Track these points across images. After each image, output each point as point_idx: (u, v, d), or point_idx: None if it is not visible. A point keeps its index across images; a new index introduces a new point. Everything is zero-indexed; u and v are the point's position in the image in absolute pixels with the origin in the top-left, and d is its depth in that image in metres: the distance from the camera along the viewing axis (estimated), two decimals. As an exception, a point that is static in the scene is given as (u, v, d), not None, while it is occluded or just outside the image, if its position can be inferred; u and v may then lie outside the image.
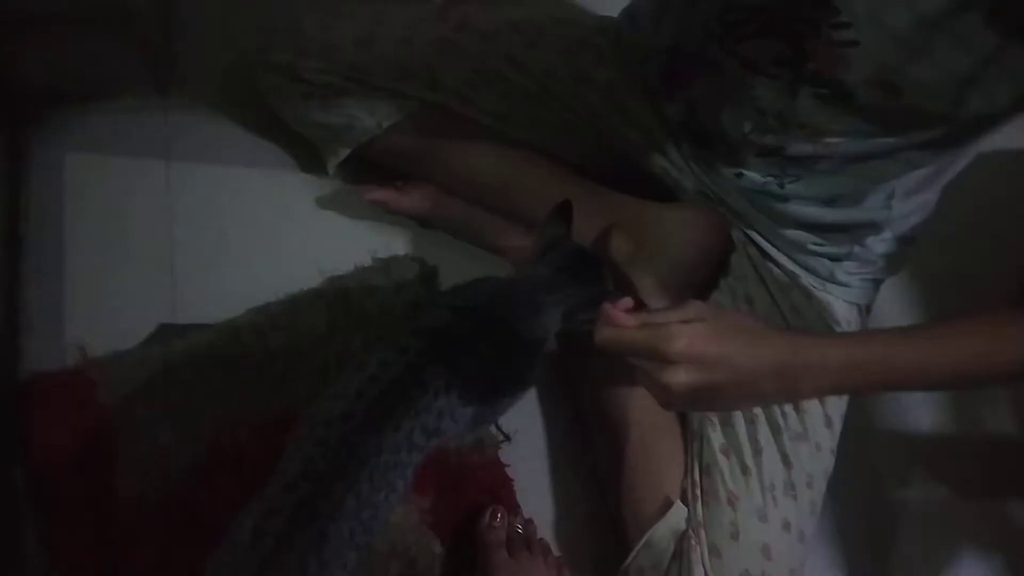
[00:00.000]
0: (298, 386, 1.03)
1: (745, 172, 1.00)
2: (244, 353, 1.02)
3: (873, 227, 1.00)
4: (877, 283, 1.08)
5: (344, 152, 1.11)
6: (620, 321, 0.69)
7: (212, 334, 1.03)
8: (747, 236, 1.06)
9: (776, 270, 1.04)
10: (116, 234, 1.06)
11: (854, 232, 1.01)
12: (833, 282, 1.05)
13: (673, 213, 1.05)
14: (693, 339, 0.67)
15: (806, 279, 1.04)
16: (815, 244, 1.03)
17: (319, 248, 1.11)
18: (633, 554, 0.96)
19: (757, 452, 0.97)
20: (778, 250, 1.04)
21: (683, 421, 1.02)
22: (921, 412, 1.31)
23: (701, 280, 1.05)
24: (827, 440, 1.00)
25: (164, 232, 1.07)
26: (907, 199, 0.98)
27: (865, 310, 1.07)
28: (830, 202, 0.98)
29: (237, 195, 1.12)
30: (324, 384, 1.01)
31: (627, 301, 0.72)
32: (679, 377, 0.67)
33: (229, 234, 1.09)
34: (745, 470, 0.97)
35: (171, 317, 1.04)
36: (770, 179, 0.99)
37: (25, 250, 1.02)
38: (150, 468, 0.96)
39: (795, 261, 1.04)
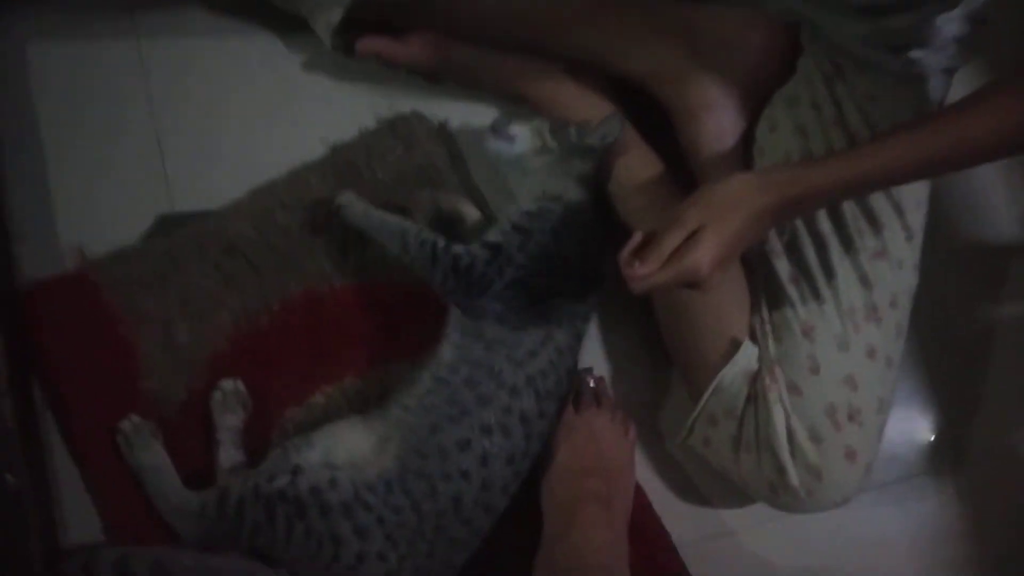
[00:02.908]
0: (316, 264, 0.94)
1: None
2: (253, 236, 0.94)
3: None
4: (950, 73, 0.93)
5: (337, 14, 0.98)
6: (642, 274, 0.73)
7: (216, 220, 0.94)
8: (814, 34, 0.91)
9: (847, 67, 0.90)
10: (95, 126, 0.96)
11: (922, 9, 0.86)
12: (907, 79, 0.90)
13: (732, 13, 0.92)
14: (712, 255, 0.72)
15: (878, 75, 0.90)
16: (882, 34, 0.89)
17: (318, 117, 1.00)
18: (703, 402, 0.88)
19: (831, 276, 0.86)
20: (847, 45, 0.90)
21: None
22: (1004, 224, 1.17)
23: (764, 85, 0.92)
24: (909, 255, 0.88)
25: (147, 118, 0.97)
26: None
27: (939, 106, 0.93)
28: None
29: (221, 70, 1.00)
30: (343, 259, 0.93)
31: (635, 238, 0.75)
32: (715, 280, 0.74)
33: (218, 112, 0.99)
34: (819, 297, 0.86)
35: (169, 207, 0.95)
36: None
37: (3, 154, 0.93)
38: (172, 366, 0.90)
39: (865, 58, 0.90)
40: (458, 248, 0.83)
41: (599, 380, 0.94)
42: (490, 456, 0.79)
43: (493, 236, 0.84)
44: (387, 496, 0.77)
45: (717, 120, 0.92)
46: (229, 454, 0.86)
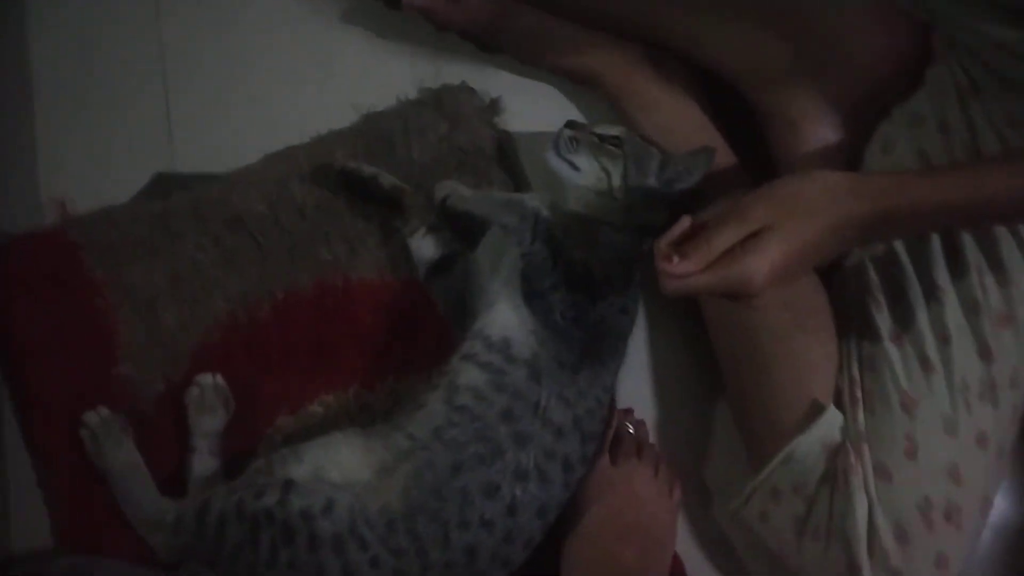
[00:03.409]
0: (331, 251, 0.81)
1: None
2: (263, 210, 0.81)
3: None
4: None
5: None
6: (681, 271, 0.59)
7: (223, 186, 0.82)
8: (950, 39, 0.75)
9: (988, 83, 0.74)
10: (95, 67, 0.85)
11: None
12: None
13: (853, 4, 0.77)
14: (772, 265, 0.59)
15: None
16: None
17: (351, 78, 0.87)
18: (767, 471, 0.74)
19: (945, 340, 0.71)
20: (991, 56, 0.74)
21: (834, 295, 0.77)
22: None
23: (882, 96, 0.78)
24: (1040, 323, 0.73)
25: (155, 63, 0.84)
26: None
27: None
28: None
29: (244, 16, 0.88)
30: (364, 248, 0.80)
31: (681, 224, 0.62)
32: (766, 298, 0.60)
33: (236, 63, 0.87)
34: (927, 364, 0.71)
35: (170, 165, 0.83)
36: None
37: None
38: (153, 352, 0.77)
39: (1012, 74, 0.74)
40: (577, 254, 0.71)
41: (640, 425, 0.80)
42: (520, 505, 0.67)
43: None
44: (388, 536, 0.66)
45: (820, 134, 0.78)
46: (204, 463, 0.74)
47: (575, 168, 0.75)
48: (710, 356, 0.81)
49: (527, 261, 0.71)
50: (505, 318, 0.71)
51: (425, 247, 0.79)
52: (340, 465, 0.69)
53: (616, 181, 0.75)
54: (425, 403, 0.70)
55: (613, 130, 0.76)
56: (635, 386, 0.83)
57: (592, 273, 0.71)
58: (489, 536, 0.67)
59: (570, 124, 0.76)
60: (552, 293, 0.70)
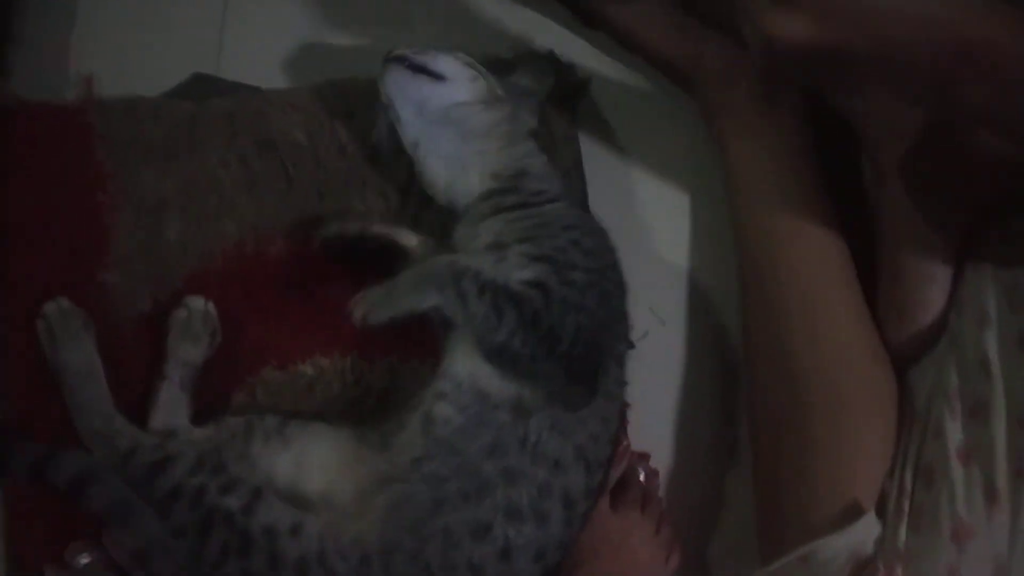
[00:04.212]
0: (364, 203, 0.73)
1: None
2: (301, 139, 0.73)
3: None
4: None
5: None
6: None
7: (263, 101, 0.74)
8: None
9: None
10: None
11: None
12: None
13: None
14: None
15: None
16: None
17: (430, 29, 0.78)
18: (779, 564, 0.65)
19: (1019, 474, 0.62)
20: None
21: (905, 386, 0.68)
22: None
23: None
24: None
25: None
26: None
27: None
28: None
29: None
30: (402, 208, 0.72)
31: None
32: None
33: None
34: (993, 494, 0.62)
35: (214, 69, 0.74)
36: None
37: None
38: (146, 264, 0.70)
39: None
40: (514, 286, 0.60)
41: (653, 476, 0.72)
42: (515, 548, 0.59)
43: (522, 272, 0.61)
44: (360, 570, 0.58)
45: (933, 215, 0.67)
46: (173, 395, 0.67)
47: (439, 77, 0.65)
48: (740, 411, 0.74)
49: (471, 326, 0.60)
50: (474, 369, 0.61)
51: None
52: (324, 468, 0.62)
53: (491, 79, 0.66)
54: (405, 425, 0.62)
55: None
56: (652, 429, 0.74)
57: (547, 291, 0.60)
58: None
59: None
60: (511, 341, 0.59)
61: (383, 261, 0.67)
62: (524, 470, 0.59)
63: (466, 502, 0.58)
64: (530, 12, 0.78)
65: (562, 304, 0.60)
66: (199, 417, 0.67)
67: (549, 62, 0.72)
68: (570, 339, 0.60)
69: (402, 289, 0.61)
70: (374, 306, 0.61)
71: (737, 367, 0.76)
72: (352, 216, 0.70)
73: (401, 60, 0.64)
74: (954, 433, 0.64)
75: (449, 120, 0.65)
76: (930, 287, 0.66)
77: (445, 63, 0.65)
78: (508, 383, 0.60)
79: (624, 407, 0.69)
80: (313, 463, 0.62)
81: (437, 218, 0.71)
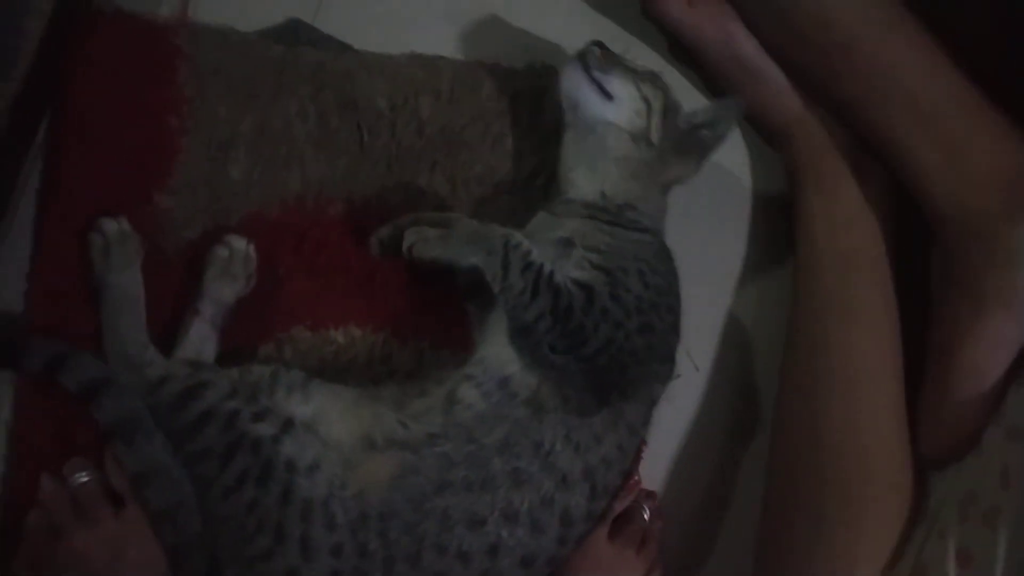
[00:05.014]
0: (430, 184, 0.72)
1: None
2: (383, 107, 0.72)
3: None
4: None
5: None
6: None
7: (352, 61, 0.73)
8: None
9: None
10: None
11: None
12: None
13: None
14: None
15: None
16: None
17: (530, 18, 0.77)
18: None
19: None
20: None
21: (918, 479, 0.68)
22: None
23: None
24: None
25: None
26: None
27: None
28: None
29: None
30: (466, 196, 0.72)
31: None
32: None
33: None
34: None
35: (311, 18, 0.73)
36: None
37: None
38: (205, 196, 0.69)
39: None
40: (559, 278, 0.61)
41: (656, 517, 0.71)
42: (503, 548, 0.59)
43: (578, 272, 0.62)
44: (357, 527, 0.58)
45: (1001, 327, 0.66)
46: (202, 331, 0.66)
47: (607, 96, 0.65)
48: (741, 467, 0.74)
49: (504, 297, 0.61)
50: (502, 353, 0.62)
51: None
52: (340, 423, 0.62)
53: (656, 118, 0.65)
54: (427, 393, 0.62)
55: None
56: (652, 464, 0.74)
57: (592, 296, 0.61)
58: (464, 570, 0.59)
59: (598, 43, 0.66)
60: (537, 325, 0.60)
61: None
62: (532, 476, 0.59)
63: (468, 491, 0.59)
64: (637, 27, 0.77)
65: (602, 313, 0.61)
66: (221, 361, 0.66)
67: (738, 112, 0.71)
68: (597, 347, 0.60)
69: (455, 238, 0.63)
70: (426, 242, 0.63)
71: (752, 425, 0.76)
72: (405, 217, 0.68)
73: (584, 63, 0.66)
74: (959, 536, 0.64)
75: (595, 130, 0.66)
76: (977, 410, 0.66)
77: (620, 86, 0.66)
78: (529, 373, 0.61)
79: (642, 444, 0.69)
80: (331, 418, 0.61)
81: (498, 212, 0.71)
